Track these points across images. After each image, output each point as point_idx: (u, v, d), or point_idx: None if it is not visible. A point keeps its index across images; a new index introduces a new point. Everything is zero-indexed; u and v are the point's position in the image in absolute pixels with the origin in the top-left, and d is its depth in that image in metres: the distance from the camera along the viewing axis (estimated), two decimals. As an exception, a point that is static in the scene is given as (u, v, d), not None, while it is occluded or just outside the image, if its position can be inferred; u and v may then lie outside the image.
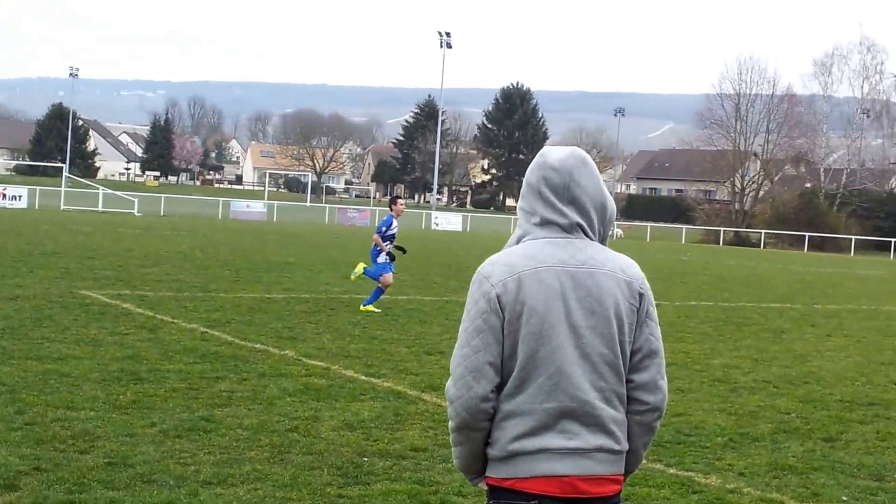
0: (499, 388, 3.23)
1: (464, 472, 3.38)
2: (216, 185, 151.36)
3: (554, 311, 3.23)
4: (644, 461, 7.72)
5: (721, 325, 17.90)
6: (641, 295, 3.35)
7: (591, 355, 3.24)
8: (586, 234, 3.36)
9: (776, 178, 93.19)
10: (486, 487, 3.34)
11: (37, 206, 53.73)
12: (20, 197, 55.06)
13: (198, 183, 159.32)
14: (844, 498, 7.29)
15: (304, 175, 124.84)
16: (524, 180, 3.41)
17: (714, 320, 18.73)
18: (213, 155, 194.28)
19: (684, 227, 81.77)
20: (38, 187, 58.47)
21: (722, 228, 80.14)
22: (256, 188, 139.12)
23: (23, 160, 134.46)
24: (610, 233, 3.52)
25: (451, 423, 3.28)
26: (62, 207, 54.17)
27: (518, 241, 3.37)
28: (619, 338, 3.29)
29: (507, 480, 3.22)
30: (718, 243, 76.37)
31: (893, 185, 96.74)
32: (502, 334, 3.22)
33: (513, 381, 3.22)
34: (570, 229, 3.34)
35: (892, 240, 72.01)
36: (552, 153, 3.41)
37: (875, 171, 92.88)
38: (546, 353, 3.21)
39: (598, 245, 3.37)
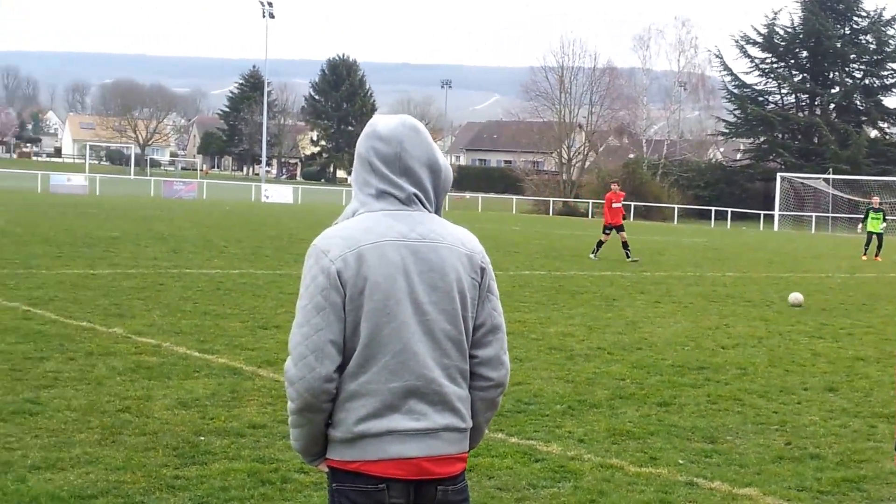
0: (341, 368, 3.13)
1: (302, 454, 3.27)
2: (34, 158, 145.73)
3: (397, 286, 3.14)
4: (486, 431, 7.81)
5: (555, 294, 18.19)
6: (483, 269, 3.31)
7: (435, 332, 3.18)
8: (423, 206, 3.27)
9: (601, 149, 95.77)
10: (325, 469, 3.24)
11: None
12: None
13: (14, 156, 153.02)
14: (681, 461, 7.46)
15: (127, 147, 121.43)
16: (356, 152, 3.31)
17: (547, 289, 19.02)
18: (29, 127, 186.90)
19: (515, 197, 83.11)
20: None
21: (551, 199, 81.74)
22: (77, 161, 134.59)
23: None
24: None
25: (290, 405, 3.15)
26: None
27: (354, 214, 3.26)
28: (462, 313, 3.23)
29: (352, 463, 3.13)
30: (549, 213, 77.89)
31: (711, 156, 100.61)
32: (343, 311, 3.11)
33: (356, 359, 3.13)
34: (407, 201, 3.25)
35: (712, 208, 74.94)
36: (381, 122, 3.30)
37: (693, 142, 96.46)
38: (390, 330, 3.13)
39: (436, 217, 3.30)
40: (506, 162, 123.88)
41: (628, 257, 27.48)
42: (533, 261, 26.30)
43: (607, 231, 28.58)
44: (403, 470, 3.12)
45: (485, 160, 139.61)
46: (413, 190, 3.25)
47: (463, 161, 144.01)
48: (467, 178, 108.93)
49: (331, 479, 3.20)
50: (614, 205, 28.75)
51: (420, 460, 3.14)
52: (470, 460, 7.00)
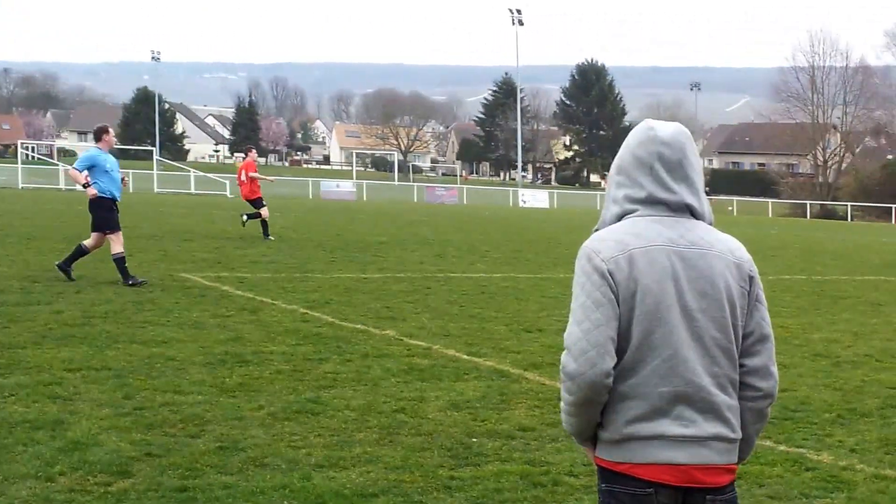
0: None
1: (577, 438, 3.29)
2: (304, 166, 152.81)
3: (667, 292, 3.13)
4: (757, 439, 7.59)
5: (816, 299, 17.51)
6: (752, 278, 3.26)
7: (704, 339, 3.15)
8: (693, 215, 3.25)
9: (858, 150, 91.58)
10: (593, 458, 3.26)
11: (131, 190, 54.61)
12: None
13: (286, 163, 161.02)
14: (963, 474, 7.02)
15: (391, 154, 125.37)
16: (625, 155, 3.30)
17: (809, 294, 18.34)
18: (299, 136, 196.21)
19: (770, 200, 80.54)
20: (130, 171, 59.37)
21: (808, 202, 78.76)
22: (344, 168, 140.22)
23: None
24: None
25: (569, 398, 3.16)
26: (156, 191, 55.09)
27: (619, 219, 3.26)
28: (732, 322, 3.19)
29: (622, 465, 3.14)
30: (805, 217, 75.06)
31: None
32: (619, 309, 3.12)
33: (626, 361, 3.13)
34: (677, 209, 3.23)
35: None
36: (662, 127, 3.28)
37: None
38: (661, 334, 3.12)
39: (704, 225, 3.26)
40: (759, 165, 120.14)
41: None
42: (792, 265, 25.39)
43: None
44: (672, 475, 3.11)
45: (738, 163, 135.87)
46: (688, 199, 3.25)
47: (716, 164, 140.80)
48: (721, 182, 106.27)
49: (600, 479, 3.22)
50: None
51: (689, 467, 3.12)
52: (739, 468, 6.81)
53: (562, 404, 3.23)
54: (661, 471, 3.10)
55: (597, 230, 3.34)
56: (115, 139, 16.54)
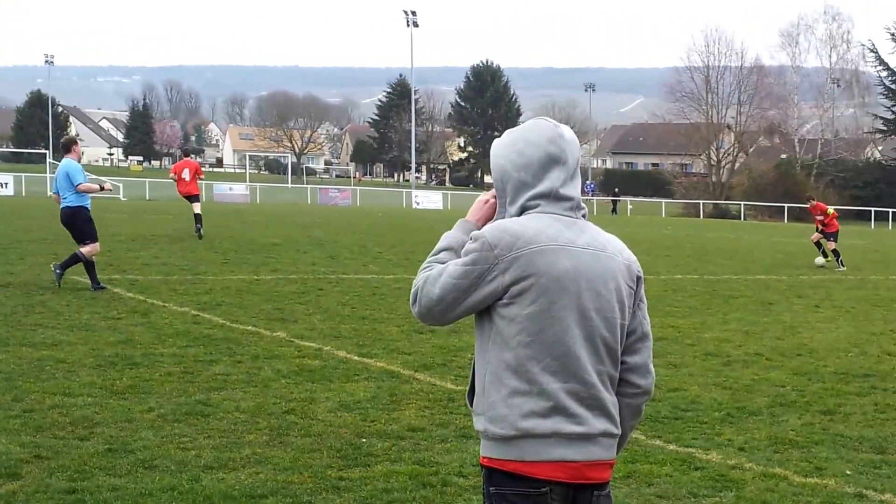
0: (505, 363, 3.18)
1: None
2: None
3: (565, 291, 3.18)
4: (644, 437, 7.80)
5: (708, 299, 17.94)
6: (639, 278, 3.37)
7: (595, 339, 3.23)
8: (583, 217, 3.33)
9: (751, 149, 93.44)
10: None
11: (23, 194, 53.40)
12: (6, 184, 54.66)
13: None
14: (848, 472, 7.28)
15: (284, 157, 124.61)
16: (529, 150, 3.28)
17: (701, 293, 18.77)
18: (192, 138, 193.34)
19: (664, 200, 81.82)
20: (23, 174, 58.07)
21: (701, 201, 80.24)
22: (238, 170, 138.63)
23: (5, 147, 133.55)
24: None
25: (416, 300, 3.28)
26: (49, 194, 53.72)
27: (520, 213, 3.29)
28: (620, 321, 3.28)
29: (512, 463, 3.16)
30: (699, 216, 76.52)
31: (869, 154, 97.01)
32: (486, 298, 3.18)
33: (520, 356, 3.16)
34: (575, 208, 3.31)
35: (872, 208, 72.33)
36: (564, 128, 3.34)
37: (850, 141, 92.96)
38: (555, 333, 3.17)
39: (594, 226, 3.34)
40: (653, 165, 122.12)
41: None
42: (685, 264, 25.95)
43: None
44: (566, 473, 3.15)
45: (631, 163, 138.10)
46: (579, 198, 3.32)
47: (609, 164, 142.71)
48: (614, 182, 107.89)
49: (487, 482, 3.22)
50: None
51: (580, 464, 3.17)
52: (628, 467, 7.04)
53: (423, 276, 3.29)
54: (555, 468, 3.13)
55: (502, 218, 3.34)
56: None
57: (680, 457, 7.46)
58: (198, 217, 26.62)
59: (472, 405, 3.33)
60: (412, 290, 3.28)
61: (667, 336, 13.03)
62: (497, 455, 3.18)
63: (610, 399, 3.26)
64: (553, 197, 3.27)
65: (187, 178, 27.28)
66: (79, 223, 15.59)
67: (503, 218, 3.32)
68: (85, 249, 15.43)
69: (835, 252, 26.73)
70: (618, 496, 6.32)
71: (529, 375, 3.16)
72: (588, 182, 69.83)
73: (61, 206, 15.72)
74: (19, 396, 8.29)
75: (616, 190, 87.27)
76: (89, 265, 15.33)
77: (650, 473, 7.01)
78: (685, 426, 8.42)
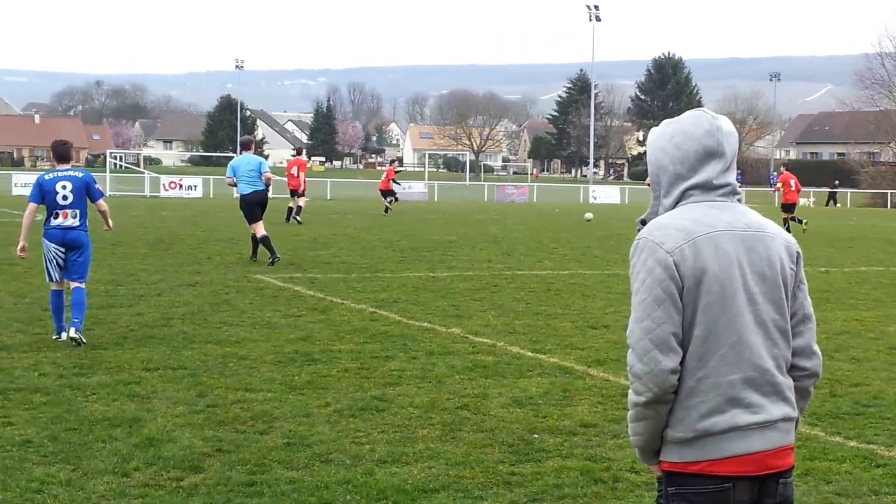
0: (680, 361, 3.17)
1: (642, 452, 3.28)
2: (378, 168, 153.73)
3: (732, 277, 3.17)
4: (823, 434, 7.58)
5: (894, 291, 17.23)
6: (798, 257, 3.33)
7: (766, 322, 3.20)
8: (736, 198, 3.33)
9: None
10: (659, 473, 3.25)
11: (211, 195, 55.49)
12: (195, 187, 56.81)
13: (361, 166, 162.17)
14: None
15: (462, 154, 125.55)
16: (685, 143, 3.29)
17: (887, 286, 18.05)
18: (374, 138, 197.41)
19: (849, 190, 78.87)
20: (212, 177, 60.31)
21: (889, 191, 77.00)
22: (417, 169, 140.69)
23: (196, 151, 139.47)
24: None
25: (636, 398, 3.17)
26: (235, 195, 55.81)
27: (674, 205, 3.29)
28: (785, 304, 3.25)
29: (696, 464, 3.13)
30: (886, 206, 73.46)
31: None
32: (681, 303, 3.14)
33: (693, 354, 3.15)
34: (730, 193, 3.30)
35: None
36: (722, 120, 3.34)
37: None
38: (726, 321, 3.15)
39: (748, 208, 3.33)
40: (839, 154, 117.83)
41: None
42: (870, 256, 24.96)
43: None
44: (749, 466, 3.13)
45: (816, 153, 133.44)
46: (735, 184, 3.32)
47: (793, 155, 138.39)
48: (797, 172, 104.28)
49: (665, 484, 3.21)
50: None
51: (763, 455, 3.15)
52: (806, 464, 6.85)
53: (630, 412, 3.23)
54: (738, 463, 3.12)
55: (643, 220, 3.38)
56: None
57: (861, 454, 7.24)
58: (298, 209, 31.50)
59: None
60: (631, 396, 3.20)
61: (850, 330, 12.58)
62: (678, 459, 3.18)
63: (786, 382, 3.23)
64: (707, 186, 3.28)
65: (295, 174, 32.11)
66: (265, 204, 19.81)
67: (657, 209, 3.35)
68: (260, 229, 19.05)
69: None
70: (796, 494, 6.16)
71: (704, 371, 3.14)
72: (770, 173, 67.14)
73: (252, 191, 19.48)
74: (203, 392, 8.67)
75: (836, 182, 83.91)
76: (267, 239, 19.02)
77: (829, 471, 6.83)
78: (867, 422, 8.15)
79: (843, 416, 8.25)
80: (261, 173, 19.60)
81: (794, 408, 3.24)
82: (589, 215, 37.58)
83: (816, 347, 3.34)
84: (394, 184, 40.17)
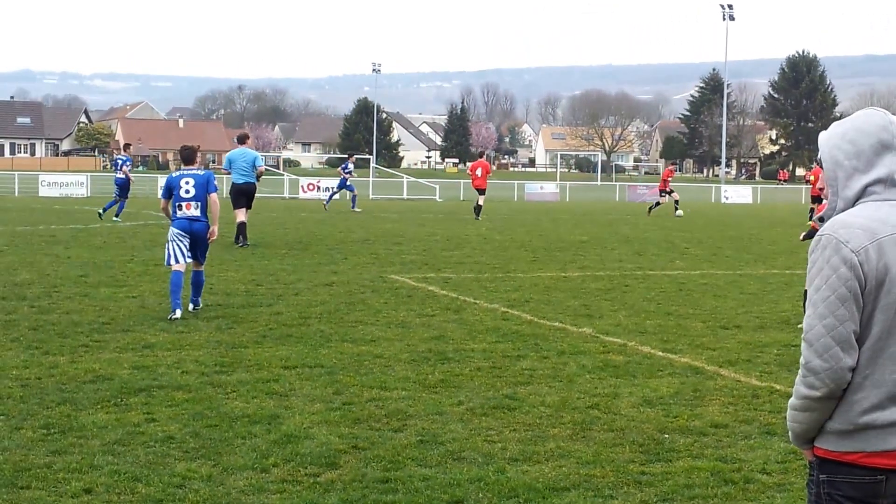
0: None
1: (798, 439, 3.33)
2: (511, 169, 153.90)
3: None
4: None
5: None
6: None
7: None
8: None
9: None
10: (812, 458, 3.31)
11: (348, 197, 56.37)
12: (332, 188, 57.72)
13: (495, 167, 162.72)
14: None
15: (594, 155, 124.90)
16: (860, 139, 3.29)
17: None
18: (506, 139, 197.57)
19: None
20: (349, 179, 61.17)
21: None
22: (549, 170, 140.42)
23: (333, 153, 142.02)
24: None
25: (811, 392, 3.20)
26: (371, 197, 56.67)
27: (854, 202, 3.29)
28: None
29: (852, 454, 3.19)
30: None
31: None
32: (862, 302, 3.17)
33: (865, 352, 3.18)
34: None
35: None
36: (892, 115, 3.33)
37: None
38: None
39: None
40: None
41: None
42: None
43: None
44: None
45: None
46: None
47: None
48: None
49: (818, 470, 3.27)
50: None
51: None
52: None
53: (794, 401, 3.28)
54: (891, 457, 3.16)
55: (821, 218, 3.39)
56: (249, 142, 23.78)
57: None
58: (479, 208, 35.21)
59: None
60: (802, 389, 3.24)
61: None
62: (835, 448, 3.23)
63: None
64: (890, 183, 3.27)
65: (479, 175, 35.17)
66: (253, 195, 22.50)
67: (835, 206, 3.34)
68: (241, 216, 21.74)
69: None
70: None
71: (871, 369, 3.18)
72: None
73: (244, 181, 22.06)
74: (340, 390, 8.91)
75: None
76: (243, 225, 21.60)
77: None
78: None
79: None
80: (255, 166, 22.07)
81: None
82: (679, 213, 40.06)
83: None
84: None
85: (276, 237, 25.28)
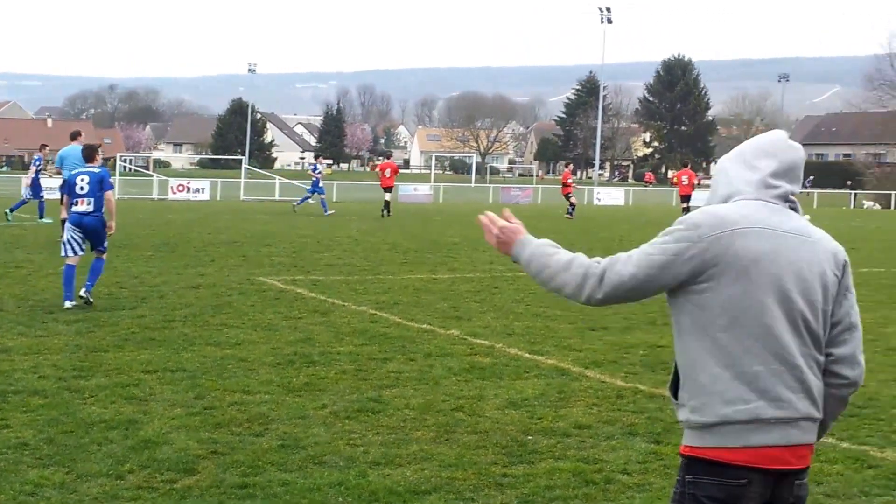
0: (705, 351, 3.26)
1: (519, 259, 3.61)
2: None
3: (764, 272, 3.24)
4: (814, 435, 7.61)
5: (894, 293, 17.22)
6: (845, 265, 3.40)
7: (797, 321, 3.26)
8: (793, 208, 3.40)
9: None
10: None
11: (218, 198, 55.54)
12: (203, 189, 56.81)
13: (368, 169, 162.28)
14: None
15: (469, 156, 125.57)
16: (748, 147, 3.46)
17: (888, 287, 18.09)
18: (382, 141, 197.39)
19: (853, 192, 78.76)
20: (219, 180, 60.30)
21: (893, 192, 76.89)
22: (423, 171, 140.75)
23: (206, 155, 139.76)
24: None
25: (564, 290, 3.40)
26: (242, 198, 55.95)
27: (726, 201, 3.40)
28: (823, 307, 3.30)
29: (713, 450, 3.21)
30: (890, 208, 73.33)
31: None
32: (701, 286, 3.25)
33: (718, 342, 3.23)
34: (783, 197, 3.38)
35: None
36: (795, 143, 3.49)
37: None
38: (755, 315, 3.22)
39: (801, 217, 3.42)
40: (845, 155, 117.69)
41: None
42: (872, 257, 24.92)
43: None
44: (767, 459, 3.18)
45: (822, 154, 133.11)
46: (792, 195, 3.41)
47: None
48: (804, 173, 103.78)
49: (684, 471, 3.28)
50: None
51: (782, 450, 3.20)
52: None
53: (565, 275, 3.40)
54: (756, 454, 3.18)
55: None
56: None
57: (853, 455, 7.30)
58: (387, 204, 37.84)
59: (675, 398, 3.40)
60: (575, 281, 3.36)
61: (851, 332, 12.58)
62: (698, 443, 3.25)
63: (815, 383, 3.29)
64: (761, 183, 3.37)
65: (388, 175, 37.83)
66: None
67: (712, 202, 3.48)
68: (63, 213, 18.60)
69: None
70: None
71: (731, 360, 3.21)
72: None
73: None
74: (201, 394, 8.73)
75: (848, 183, 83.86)
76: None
77: (820, 472, 6.86)
78: (861, 423, 8.20)
79: (837, 418, 8.25)
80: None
81: (819, 409, 3.30)
82: (568, 215, 40.55)
83: (861, 357, 3.41)
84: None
85: (142, 239, 24.69)
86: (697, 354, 3.26)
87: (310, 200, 41.83)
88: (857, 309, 3.39)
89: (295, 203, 42.56)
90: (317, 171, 40.91)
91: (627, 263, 3.30)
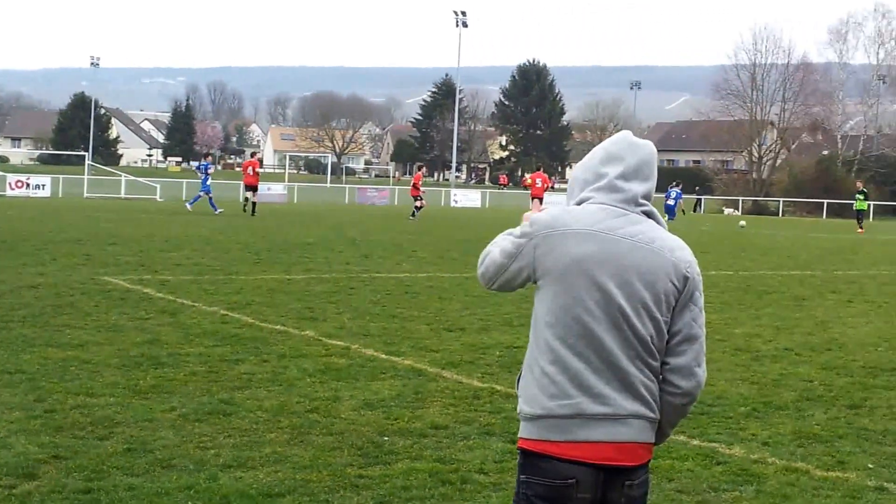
0: (542, 347, 3.31)
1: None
2: (237, 170, 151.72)
3: (585, 273, 3.26)
4: (665, 433, 7.73)
5: (741, 295, 17.79)
6: (687, 278, 3.35)
7: (621, 324, 3.26)
8: (648, 216, 3.40)
9: (793, 146, 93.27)
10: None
11: (60, 195, 53.90)
12: (44, 186, 55.13)
13: (219, 167, 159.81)
14: (870, 465, 7.23)
15: (324, 157, 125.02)
16: (597, 152, 3.50)
17: (734, 289, 18.63)
18: (233, 139, 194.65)
19: (703, 197, 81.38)
20: (61, 176, 58.57)
21: (740, 198, 79.78)
22: (277, 171, 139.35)
23: (46, 150, 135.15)
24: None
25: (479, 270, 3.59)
26: (85, 195, 54.41)
27: (580, 203, 3.43)
28: (655, 314, 3.28)
29: (539, 443, 3.23)
30: (738, 213, 76.14)
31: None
32: (525, 276, 3.38)
33: (546, 338, 3.26)
34: (631, 201, 3.37)
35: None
36: (638, 138, 3.50)
37: (892, 137, 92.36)
38: (577, 315, 3.25)
39: (651, 223, 3.39)
40: (694, 162, 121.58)
41: None
42: (720, 261, 25.75)
43: None
44: (591, 454, 3.19)
45: (673, 160, 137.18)
46: (641, 197, 3.40)
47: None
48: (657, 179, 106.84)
49: (519, 471, 3.30)
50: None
51: (606, 446, 3.20)
52: (650, 463, 6.94)
53: (501, 256, 3.47)
54: (580, 449, 3.18)
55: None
56: None
57: (703, 452, 7.43)
58: (254, 204, 39.40)
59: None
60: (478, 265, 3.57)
61: (698, 332, 12.89)
62: (526, 435, 3.29)
63: (643, 382, 3.27)
64: (607, 187, 3.39)
65: (251, 173, 39.73)
66: None
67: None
68: None
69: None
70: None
71: (556, 356, 3.25)
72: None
73: None
74: (42, 397, 8.33)
75: (696, 188, 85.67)
76: None
77: (671, 469, 6.97)
78: (710, 421, 8.36)
79: (688, 416, 8.39)
80: None
81: (652, 410, 3.29)
82: (742, 223, 41.25)
83: (699, 370, 3.37)
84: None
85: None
86: (532, 349, 3.34)
87: (202, 196, 41.67)
88: (701, 322, 3.36)
89: (187, 203, 42.91)
90: (207, 169, 41.25)
91: (494, 249, 3.50)
